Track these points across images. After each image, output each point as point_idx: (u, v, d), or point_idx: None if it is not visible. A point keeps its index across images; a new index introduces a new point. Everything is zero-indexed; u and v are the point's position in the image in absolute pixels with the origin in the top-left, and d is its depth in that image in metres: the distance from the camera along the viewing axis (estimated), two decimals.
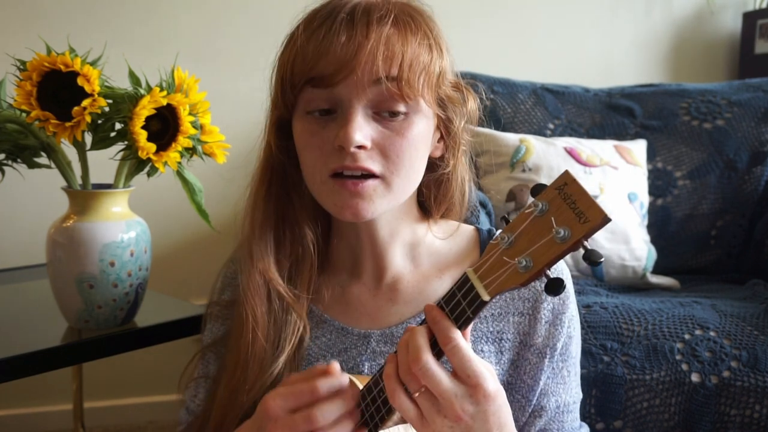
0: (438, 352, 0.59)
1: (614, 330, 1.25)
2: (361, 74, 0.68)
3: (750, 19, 2.28)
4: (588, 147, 1.64)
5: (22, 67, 0.91)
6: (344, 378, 0.66)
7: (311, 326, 0.82)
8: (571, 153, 1.61)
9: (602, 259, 0.51)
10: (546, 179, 1.54)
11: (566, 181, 0.52)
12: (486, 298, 0.56)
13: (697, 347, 1.21)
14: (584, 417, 1.21)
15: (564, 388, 0.80)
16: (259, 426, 0.66)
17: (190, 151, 0.97)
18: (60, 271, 0.98)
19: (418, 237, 0.83)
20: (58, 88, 0.90)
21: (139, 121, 0.90)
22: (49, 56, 0.89)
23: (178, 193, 1.05)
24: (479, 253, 0.83)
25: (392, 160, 0.71)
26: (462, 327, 0.59)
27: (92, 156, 0.98)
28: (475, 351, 0.69)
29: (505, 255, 0.55)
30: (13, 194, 1.83)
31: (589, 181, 1.57)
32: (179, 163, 0.96)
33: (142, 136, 0.90)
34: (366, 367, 0.79)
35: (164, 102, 0.91)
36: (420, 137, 0.73)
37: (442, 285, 0.81)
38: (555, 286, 0.53)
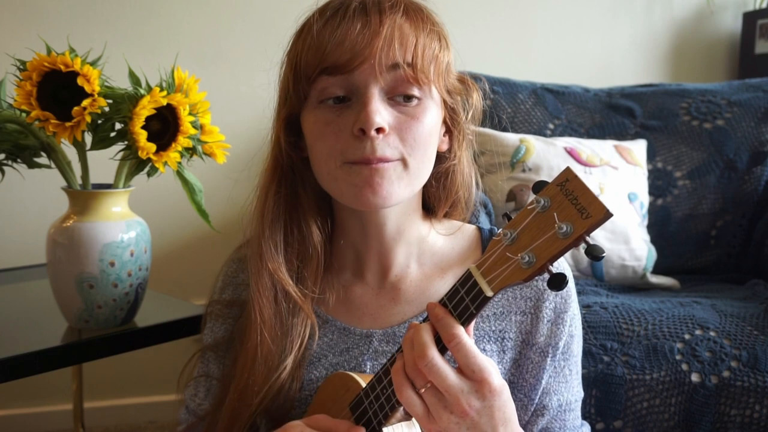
0: (442, 348, 0.59)
1: (614, 330, 1.25)
2: (378, 59, 0.69)
3: (750, 19, 2.28)
4: (588, 147, 1.64)
5: (22, 67, 0.91)
6: (348, 373, 0.66)
7: (311, 309, 0.82)
8: (571, 153, 1.61)
9: (604, 254, 0.52)
10: (546, 179, 1.53)
11: (568, 177, 0.53)
12: (489, 293, 0.57)
13: (697, 347, 1.21)
14: (584, 417, 1.21)
15: (566, 386, 0.80)
16: None
17: (190, 151, 0.97)
18: (60, 271, 0.98)
19: (422, 236, 0.83)
20: (58, 88, 0.90)
21: (139, 121, 0.90)
22: (49, 56, 0.89)
23: (178, 193, 1.05)
24: (481, 253, 0.83)
25: (409, 143, 0.72)
26: (465, 323, 0.59)
27: (92, 156, 0.98)
28: None
29: (508, 251, 0.56)
30: (13, 194, 1.83)
31: (589, 181, 1.57)
32: (179, 163, 0.96)
33: (142, 136, 0.90)
34: (368, 366, 0.79)
35: (164, 102, 0.91)
36: (433, 123, 0.74)
37: (445, 285, 0.81)
38: (558, 282, 0.54)
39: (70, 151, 0.98)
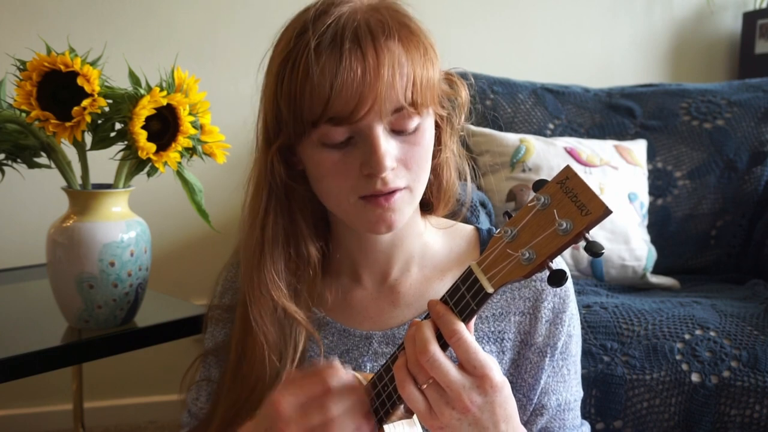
0: (443, 345, 0.60)
1: (614, 330, 1.25)
2: (382, 103, 0.68)
3: (750, 19, 2.28)
4: (588, 147, 1.64)
5: (22, 67, 0.91)
6: (349, 371, 0.66)
7: (313, 328, 0.82)
8: (571, 153, 1.61)
9: (603, 251, 0.52)
10: (546, 178, 1.53)
11: (568, 175, 0.54)
12: (490, 290, 0.57)
13: (697, 347, 1.21)
14: (584, 417, 1.20)
15: (564, 386, 0.80)
16: (267, 426, 0.65)
17: (190, 151, 0.97)
18: (60, 271, 0.98)
19: (420, 236, 0.83)
20: (58, 88, 0.90)
21: (139, 121, 0.90)
22: (49, 56, 0.89)
23: (178, 193, 1.05)
24: (479, 253, 0.83)
25: (414, 171, 0.73)
26: (466, 320, 0.60)
27: (92, 156, 0.98)
28: None
29: (508, 248, 0.57)
30: (13, 194, 1.83)
31: (589, 181, 1.57)
32: (179, 163, 0.96)
33: (142, 136, 0.90)
34: (368, 367, 0.79)
35: (164, 102, 0.91)
36: (430, 139, 0.75)
37: (444, 286, 0.81)
38: (557, 278, 0.54)
39: (70, 151, 0.98)
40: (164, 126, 0.94)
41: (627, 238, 1.56)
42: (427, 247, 0.83)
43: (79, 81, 0.89)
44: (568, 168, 0.54)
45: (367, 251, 0.81)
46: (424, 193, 0.83)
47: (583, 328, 1.24)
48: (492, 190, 1.61)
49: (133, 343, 1.04)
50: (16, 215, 1.85)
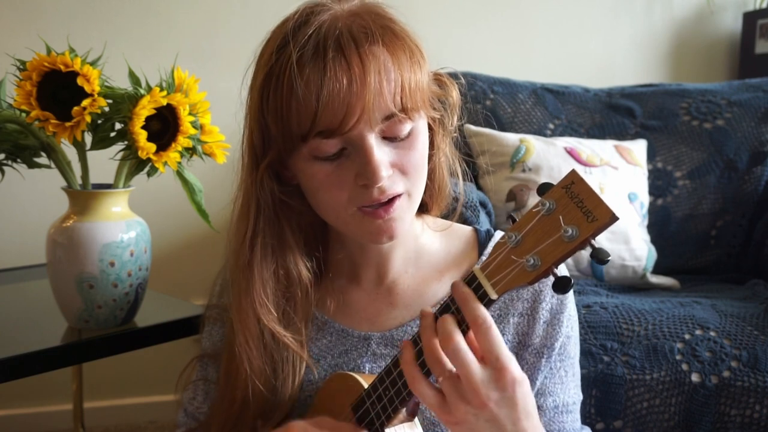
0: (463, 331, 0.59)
1: (614, 330, 1.25)
2: (371, 112, 0.67)
3: (750, 19, 2.28)
4: (588, 147, 1.64)
5: (22, 67, 0.91)
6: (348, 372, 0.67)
7: (313, 330, 0.82)
8: (571, 153, 1.61)
9: (609, 258, 0.52)
10: (546, 179, 1.54)
11: (573, 180, 0.53)
12: (494, 296, 0.57)
13: (697, 347, 1.21)
14: (584, 417, 1.20)
15: (562, 388, 0.80)
16: None
17: (190, 151, 0.97)
18: (60, 271, 0.98)
19: (417, 238, 0.83)
20: (58, 88, 0.90)
21: (139, 121, 0.90)
22: (49, 56, 0.89)
23: (178, 193, 1.05)
24: (478, 254, 0.83)
25: (411, 175, 0.72)
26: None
27: (92, 156, 0.98)
28: None
29: (512, 254, 0.56)
30: (13, 194, 1.83)
31: (589, 181, 1.57)
32: (179, 163, 0.96)
33: (142, 136, 0.90)
34: (367, 368, 0.79)
35: (164, 102, 0.91)
36: (425, 142, 0.74)
37: (441, 287, 0.81)
38: (563, 285, 0.54)
39: (70, 151, 0.98)
40: (164, 126, 0.94)
41: (627, 238, 1.56)
42: (425, 248, 0.83)
43: (79, 81, 0.89)
44: (573, 172, 0.53)
45: (365, 252, 0.81)
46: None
47: (583, 328, 1.24)
48: (492, 190, 1.61)
49: (133, 343, 1.04)
50: (16, 215, 1.85)
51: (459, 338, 0.58)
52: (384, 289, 0.82)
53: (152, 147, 0.91)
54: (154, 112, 0.91)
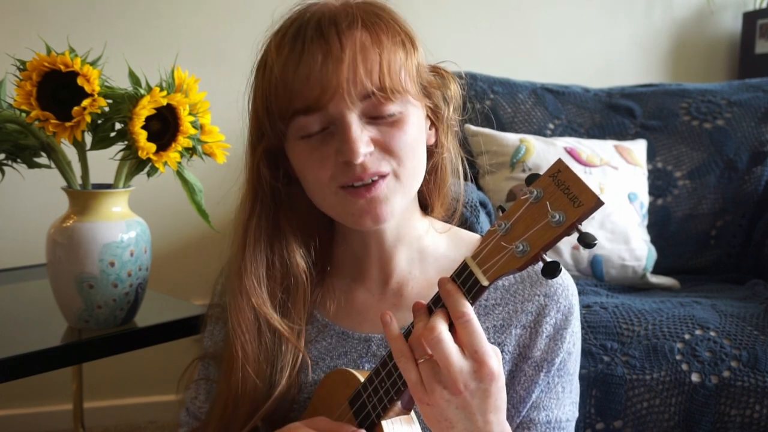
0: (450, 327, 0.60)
1: (614, 330, 1.25)
2: (347, 89, 0.68)
3: (750, 19, 2.28)
4: (588, 147, 1.64)
5: (22, 67, 0.91)
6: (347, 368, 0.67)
7: (313, 332, 0.82)
8: (571, 153, 1.61)
9: (596, 241, 0.53)
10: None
11: (560, 168, 0.55)
12: (485, 283, 0.58)
13: (697, 347, 1.21)
14: (584, 417, 1.21)
15: (557, 403, 0.79)
16: None
17: (190, 151, 0.97)
18: (60, 271, 0.98)
19: (422, 238, 0.82)
20: (58, 88, 0.90)
21: (139, 121, 0.90)
22: (49, 56, 0.89)
23: (178, 193, 1.05)
24: None
25: (397, 154, 0.71)
26: None
27: (92, 156, 0.98)
28: None
29: (502, 240, 0.57)
30: (13, 194, 1.83)
31: (589, 181, 1.57)
32: (179, 163, 0.96)
33: (142, 136, 0.90)
34: (367, 369, 0.79)
35: (164, 102, 0.91)
36: (416, 128, 0.74)
37: None
38: (551, 270, 0.55)
39: (70, 151, 0.98)
40: (164, 126, 0.94)
41: (627, 238, 1.56)
42: (429, 250, 0.83)
43: (79, 81, 0.89)
44: (559, 161, 0.55)
45: (370, 249, 0.80)
46: (422, 194, 0.83)
47: (583, 328, 1.24)
48: (492, 190, 1.61)
49: (133, 343, 1.04)
50: (16, 215, 1.85)
51: (441, 328, 0.59)
52: (390, 292, 0.82)
53: (152, 147, 0.91)
54: (154, 112, 0.91)
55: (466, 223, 1.19)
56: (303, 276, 0.79)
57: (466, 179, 0.86)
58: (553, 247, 0.55)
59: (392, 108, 0.71)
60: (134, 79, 0.95)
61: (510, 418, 0.77)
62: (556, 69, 2.20)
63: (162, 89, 0.92)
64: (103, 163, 1.00)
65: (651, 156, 1.74)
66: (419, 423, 0.70)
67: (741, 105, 1.77)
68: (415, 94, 0.73)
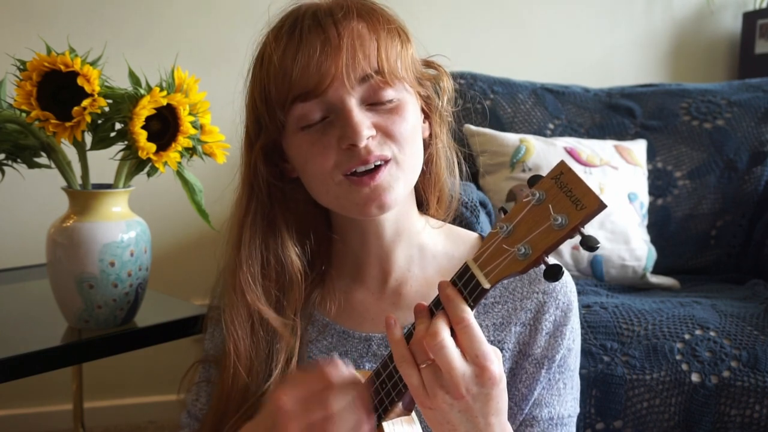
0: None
1: (614, 330, 1.25)
2: (346, 74, 0.69)
3: (750, 19, 2.28)
4: (588, 147, 1.64)
5: (22, 67, 0.91)
6: (351, 368, 0.66)
7: (314, 332, 0.82)
8: (571, 153, 1.61)
9: (599, 245, 0.52)
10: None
11: (562, 170, 0.54)
12: (487, 285, 0.57)
13: (697, 347, 1.21)
14: (584, 417, 1.21)
15: (559, 400, 0.79)
16: (270, 423, 0.65)
17: (190, 151, 0.97)
18: (60, 271, 0.98)
19: (419, 234, 0.82)
20: (58, 88, 0.90)
21: (139, 121, 0.90)
22: (49, 56, 0.89)
23: (178, 193, 1.05)
24: None
25: (397, 139, 0.72)
26: None
27: (92, 156, 0.98)
28: None
29: (504, 243, 0.57)
30: (13, 194, 1.83)
31: (589, 181, 1.57)
32: (179, 163, 0.96)
33: (142, 136, 0.90)
34: (368, 368, 0.79)
35: (164, 102, 0.91)
36: (413, 116, 0.75)
37: None
38: (553, 273, 0.55)
39: (70, 151, 0.98)
40: (164, 126, 0.94)
41: (627, 238, 1.56)
42: (428, 248, 0.83)
43: (79, 81, 0.89)
44: (562, 163, 0.54)
45: (369, 246, 0.80)
46: (418, 190, 0.83)
47: (583, 328, 1.24)
48: (492, 190, 1.61)
49: (133, 343, 1.04)
50: (16, 215, 1.85)
51: (444, 335, 0.58)
52: (390, 291, 0.82)
53: (152, 147, 0.91)
54: (154, 112, 0.91)
55: (466, 223, 1.19)
56: (298, 275, 0.79)
57: (462, 176, 0.86)
58: (555, 250, 0.55)
59: (390, 93, 0.72)
60: (134, 79, 0.96)
61: (512, 415, 0.78)
62: (556, 69, 2.20)
63: (162, 89, 0.92)
64: (103, 163, 1.00)
65: (651, 156, 1.74)
66: (420, 424, 0.70)
67: (741, 105, 1.77)
68: (410, 82, 0.74)
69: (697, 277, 1.69)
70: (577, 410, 0.82)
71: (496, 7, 2.17)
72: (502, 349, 0.78)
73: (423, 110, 0.79)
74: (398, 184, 0.73)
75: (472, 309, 0.59)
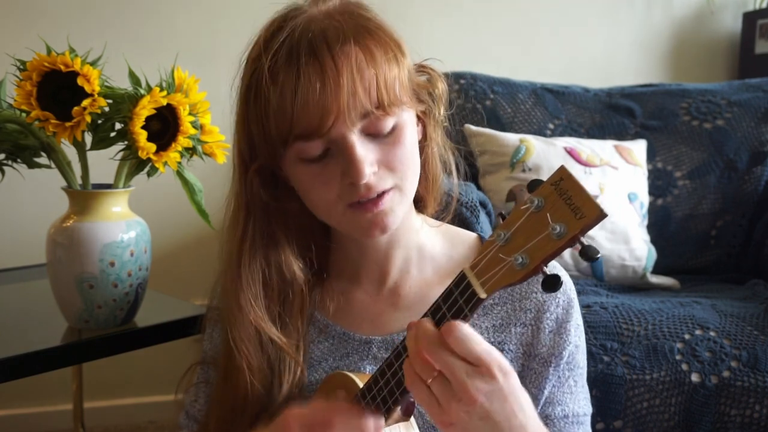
0: None
1: (614, 330, 1.25)
2: (347, 111, 0.67)
3: (750, 19, 2.28)
4: (588, 147, 1.64)
5: (22, 67, 0.91)
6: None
7: (314, 332, 0.82)
8: (571, 153, 1.61)
9: (599, 255, 0.51)
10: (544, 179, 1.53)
11: (562, 176, 0.52)
12: (483, 295, 0.56)
13: (697, 347, 1.21)
14: None
15: (571, 398, 0.79)
16: None
17: (190, 151, 0.97)
18: (60, 271, 0.98)
19: (417, 234, 0.82)
20: (58, 88, 0.90)
21: (139, 121, 0.90)
22: (49, 56, 0.89)
23: (178, 193, 1.05)
24: None
25: (399, 170, 0.72)
26: None
27: (92, 156, 0.98)
28: None
29: (501, 252, 0.55)
30: (13, 194, 1.83)
31: (589, 181, 1.57)
32: (179, 163, 0.96)
33: (142, 136, 0.90)
34: (368, 371, 0.78)
35: (164, 102, 0.91)
36: (412, 137, 0.74)
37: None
38: (551, 283, 0.53)
39: (70, 151, 0.98)
40: (164, 126, 0.94)
41: (627, 238, 1.56)
42: (426, 248, 0.83)
43: (79, 81, 0.89)
44: (562, 168, 0.52)
45: (365, 249, 0.80)
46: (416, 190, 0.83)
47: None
48: (492, 190, 1.61)
49: (133, 343, 1.04)
50: (16, 215, 1.85)
51: (439, 340, 0.58)
52: (387, 291, 0.82)
53: (152, 147, 0.91)
54: (154, 112, 0.91)
55: (466, 223, 1.19)
56: (301, 285, 0.79)
57: (460, 175, 0.85)
58: (554, 259, 0.53)
59: (390, 123, 0.71)
60: (134, 79, 0.95)
61: None
62: (556, 69, 2.20)
63: (162, 89, 0.92)
64: (103, 163, 1.00)
65: (651, 156, 1.74)
66: (418, 429, 0.70)
67: (741, 105, 1.77)
68: (409, 103, 0.73)
69: (697, 277, 1.69)
70: (590, 409, 0.81)
71: (497, 6, 2.17)
72: (502, 350, 0.78)
73: (418, 116, 0.78)
74: (400, 208, 0.73)
75: (469, 318, 0.58)
